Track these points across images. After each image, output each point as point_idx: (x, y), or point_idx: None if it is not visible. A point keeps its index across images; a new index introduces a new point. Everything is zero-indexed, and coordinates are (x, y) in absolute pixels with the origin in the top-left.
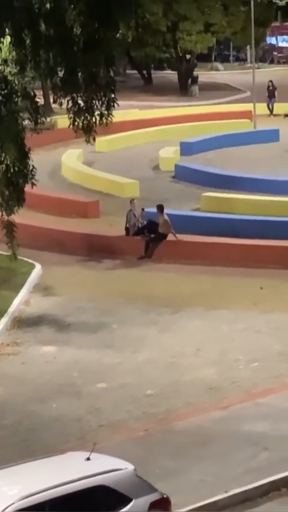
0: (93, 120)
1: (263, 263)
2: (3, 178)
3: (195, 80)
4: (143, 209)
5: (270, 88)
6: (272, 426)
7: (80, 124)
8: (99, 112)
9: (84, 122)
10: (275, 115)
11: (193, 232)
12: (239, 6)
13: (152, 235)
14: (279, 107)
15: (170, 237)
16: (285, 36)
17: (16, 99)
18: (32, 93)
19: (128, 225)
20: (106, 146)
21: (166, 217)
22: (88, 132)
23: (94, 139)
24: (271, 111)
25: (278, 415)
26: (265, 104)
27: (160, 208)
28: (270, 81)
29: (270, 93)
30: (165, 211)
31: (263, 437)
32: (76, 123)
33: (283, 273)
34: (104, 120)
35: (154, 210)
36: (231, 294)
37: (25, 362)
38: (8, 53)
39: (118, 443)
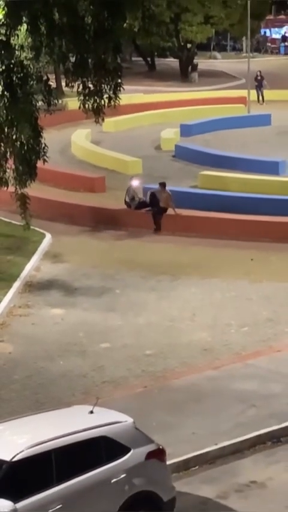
0: (102, 102)
1: (254, 236)
2: (18, 154)
3: (195, 67)
4: (130, 181)
5: (259, 78)
6: (259, 385)
7: (90, 106)
8: (107, 95)
9: (94, 104)
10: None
11: (191, 207)
12: (236, 0)
13: (155, 209)
14: (272, 94)
15: (170, 211)
16: (278, 29)
17: (31, 82)
18: (46, 77)
19: (127, 199)
20: (113, 127)
21: (169, 192)
22: (97, 113)
23: (103, 120)
24: (262, 98)
25: (265, 375)
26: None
27: (163, 185)
28: (259, 71)
29: (259, 83)
30: (166, 187)
31: (251, 395)
32: (86, 105)
33: (272, 246)
34: (112, 103)
35: (155, 186)
36: (225, 264)
37: (35, 323)
38: (24, 40)
39: (119, 398)
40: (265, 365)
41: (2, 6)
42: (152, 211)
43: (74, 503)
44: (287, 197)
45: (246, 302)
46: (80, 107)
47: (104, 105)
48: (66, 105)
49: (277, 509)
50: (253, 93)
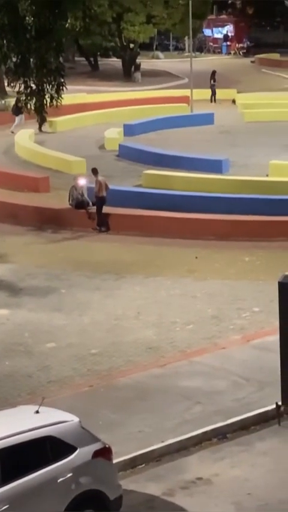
0: (44, 102)
1: (197, 235)
2: None
3: (137, 67)
4: (75, 180)
5: (212, 82)
6: (204, 382)
7: (32, 106)
8: (49, 95)
9: (36, 103)
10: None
11: (135, 206)
12: (178, 0)
13: (98, 202)
14: (222, 93)
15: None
16: (220, 28)
17: None
18: None
19: (70, 202)
20: (56, 127)
21: (101, 178)
22: (39, 113)
23: (45, 120)
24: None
25: (210, 372)
26: (202, 90)
27: (94, 171)
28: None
29: (212, 86)
30: (110, 187)
31: (197, 392)
32: (28, 105)
33: (216, 244)
34: (54, 102)
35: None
36: (169, 262)
37: None
38: None
39: (65, 398)
40: (210, 362)
41: None
42: (96, 207)
43: (21, 503)
44: (230, 195)
45: (190, 300)
46: (10, 109)
47: (46, 104)
48: (9, 105)
49: (223, 505)
50: (200, 92)
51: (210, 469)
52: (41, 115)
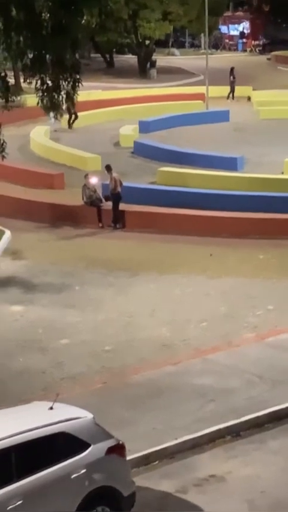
0: (60, 98)
1: (212, 232)
2: None
3: (153, 64)
4: (86, 175)
5: (232, 79)
6: (218, 380)
7: (48, 102)
8: (65, 91)
9: (52, 100)
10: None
11: (149, 203)
12: None
13: (114, 198)
14: (237, 91)
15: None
16: (235, 25)
17: None
18: (3, 73)
19: (84, 200)
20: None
21: (115, 175)
22: (55, 109)
23: (61, 116)
24: (233, 95)
25: (223, 370)
26: (217, 87)
27: (108, 167)
28: (232, 68)
29: (231, 83)
30: (124, 184)
31: (210, 390)
32: (44, 101)
33: (230, 242)
34: (70, 99)
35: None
36: (183, 260)
37: None
38: None
39: (79, 394)
40: (223, 360)
41: None
42: (112, 204)
43: (35, 498)
44: (245, 193)
45: (205, 298)
46: (38, 103)
47: (62, 101)
48: (24, 101)
49: (236, 502)
50: (216, 89)
51: (223, 466)
52: (73, 111)
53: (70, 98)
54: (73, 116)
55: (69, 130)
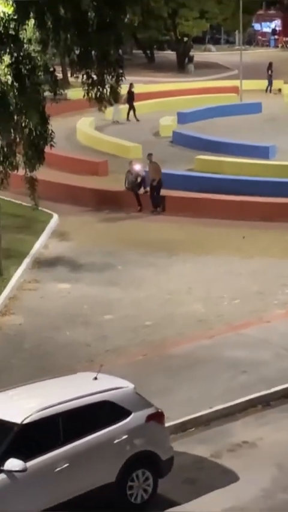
0: (104, 91)
1: (245, 216)
2: (27, 140)
3: (191, 59)
4: (131, 165)
5: (270, 73)
6: (249, 353)
7: (93, 95)
8: (109, 85)
9: (97, 93)
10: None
11: (187, 189)
12: None
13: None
14: (263, 84)
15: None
16: (268, 23)
17: (38, 73)
18: (52, 68)
19: (127, 185)
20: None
21: (155, 162)
22: (100, 102)
23: (105, 107)
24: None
25: (255, 343)
26: (250, 81)
27: (149, 156)
28: (270, 63)
29: (269, 77)
30: (163, 171)
31: (242, 362)
32: (90, 94)
33: (262, 225)
34: (113, 92)
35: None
36: (218, 242)
37: (43, 296)
38: (32, 34)
39: (121, 366)
40: (255, 334)
41: (11, 3)
42: (154, 190)
43: (80, 462)
44: (276, 179)
45: (237, 277)
46: (84, 96)
47: (107, 94)
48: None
49: (266, 466)
50: (249, 82)
51: (255, 433)
52: (101, 104)
53: (114, 91)
54: (131, 109)
55: (125, 120)
